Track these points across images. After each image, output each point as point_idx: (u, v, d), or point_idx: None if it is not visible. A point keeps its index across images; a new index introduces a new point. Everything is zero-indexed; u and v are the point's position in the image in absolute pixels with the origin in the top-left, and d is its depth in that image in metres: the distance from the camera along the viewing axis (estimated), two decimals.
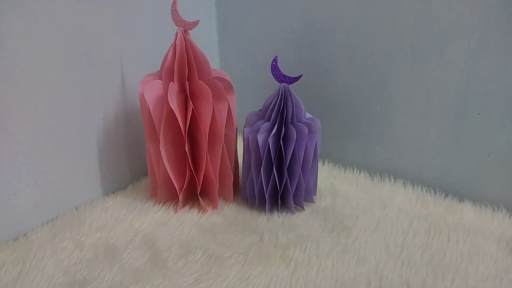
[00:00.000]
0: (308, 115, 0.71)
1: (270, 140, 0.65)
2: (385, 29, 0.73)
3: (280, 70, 0.66)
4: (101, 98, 0.74)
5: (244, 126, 0.70)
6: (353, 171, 0.83)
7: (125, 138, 0.80)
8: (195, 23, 0.65)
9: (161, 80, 0.67)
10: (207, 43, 0.97)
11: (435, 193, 0.74)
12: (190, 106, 0.66)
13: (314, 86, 0.85)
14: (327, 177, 0.82)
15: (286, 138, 0.67)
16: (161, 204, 0.72)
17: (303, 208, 0.71)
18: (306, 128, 0.65)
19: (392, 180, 0.79)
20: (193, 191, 0.72)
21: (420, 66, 0.72)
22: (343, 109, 0.83)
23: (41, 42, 0.63)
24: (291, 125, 0.66)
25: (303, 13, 0.82)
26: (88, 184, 0.75)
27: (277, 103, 0.66)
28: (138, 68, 0.78)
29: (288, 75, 0.66)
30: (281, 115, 0.66)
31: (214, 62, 0.99)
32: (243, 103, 0.97)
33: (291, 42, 0.85)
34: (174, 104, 0.64)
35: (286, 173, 0.67)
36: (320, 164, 0.87)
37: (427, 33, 0.69)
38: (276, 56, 0.66)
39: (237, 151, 0.75)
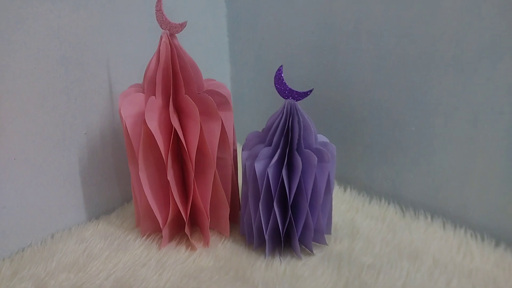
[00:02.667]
0: (321, 138, 0.57)
1: (270, 170, 0.52)
2: (422, 32, 0.59)
3: (285, 83, 0.53)
4: (83, 111, 0.64)
5: (243, 149, 0.57)
6: (380, 202, 0.69)
7: (113, 155, 0.70)
8: (182, 26, 0.54)
9: (144, 93, 0.56)
10: (217, 46, 0.85)
11: (483, 239, 0.58)
12: (177, 125, 0.55)
13: (335, 99, 0.71)
14: (348, 209, 0.68)
15: (290, 168, 0.54)
16: (145, 236, 0.61)
17: (311, 251, 0.57)
18: (315, 157, 0.52)
19: (429, 217, 0.64)
20: (183, 223, 0.61)
21: (466, 79, 0.56)
22: (369, 128, 0.69)
23: (6, 48, 0.54)
24: (296, 152, 0.53)
25: (323, 12, 0.68)
26: (67, 208, 0.66)
27: (281, 123, 0.53)
28: (128, 76, 0.68)
29: (295, 90, 0.53)
30: (285, 139, 0.53)
31: (225, 68, 0.87)
32: (255, 116, 0.86)
33: (308, 46, 0.72)
34: (153, 123, 0.53)
35: (290, 211, 0.54)
36: (340, 190, 0.73)
37: (475, 39, 0.54)
38: (281, 66, 0.53)
39: (238, 176, 0.63)
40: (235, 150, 0.62)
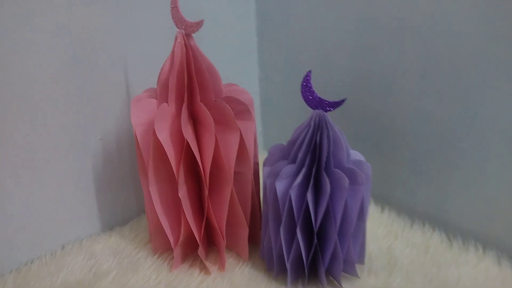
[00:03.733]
0: (355, 154, 0.50)
1: (293, 192, 0.45)
2: (479, 32, 0.50)
3: (313, 91, 0.46)
4: (97, 115, 0.60)
5: (264, 164, 0.51)
6: (423, 228, 0.60)
7: (130, 161, 0.66)
8: (199, 25, 0.48)
9: (157, 98, 0.51)
10: (245, 46, 0.79)
11: None
12: (189, 136, 0.49)
13: (374, 107, 0.63)
14: (385, 234, 0.59)
15: (317, 190, 0.47)
16: (157, 255, 0.56)
17: (340, 285, 0.50)
18: (347, 179, 0.44)
19: (480, 250, 0.54)
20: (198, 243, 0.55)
21: None
22: (413, 142, 0.60)
23: (12, 47, 0.50)
24: (324, 172, 0.45)
25: (362, 8, 0.60)
26: (79, 219, 0.62)
27: (307, 138, 0.46)
28: (146, 77, 0.63)
29: (325, 99, 0.46)
30: (312, 155, 0.46)
31: (253, 70, 0.80)
32: (285, 122, 0.79)
33: (345, 47, 0.64)
34: (163, 134, 0.47)
35: (316, 239, 0.47)
36: (377, 211, 0.65)
37: None
38: (309, 72, 0.46)
39: (259, 192, 0.57)
40: (256, 163, 0.55)
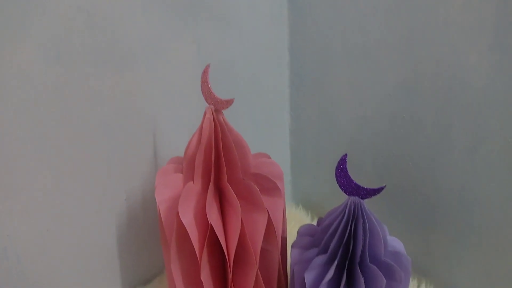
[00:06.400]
0: (393, 242, 0.46)
1: None
2: None
3: (350, 177, 0.43)
4: (124, 176, 0.59)
5: (292, 246, 0.48)
6: None
7: (155, 221, 0.64)
8: (229, 103, 0.45)
9: (183, 171, 0.49)
10: (277, 95, 0.76)
11: None
12: (214, 220, 0.46)
13: (415, 177, 0.58)
14: None
15: (350, 286, 0.43)
16: None
17: None
18: (383, 278, 0.40)
19: None
20: None
21: None
22: (457, 218, 0.55)
23: (44, 117, 0.50)
24: (358, 268, 0.42)
25: (405, 74, 0.56)
26: (104, 280, 0.61)
27: (341, 227, 0.43)
28: (175, 141, 0.62)
29: (362, 186, 0.42)
30: (345, 247, 0.43)
31: (284, 120, 0.78)
32: (316, 174, 0.76)
33: (384, 110, 0.60)
34: (187, 217, 0.45)
35: None
36: (414, 285, 0.60)
37: None
38: (345, 156, 0.43)
39: (286, 268, 0.54)
40: (284, 238, 0.52)
